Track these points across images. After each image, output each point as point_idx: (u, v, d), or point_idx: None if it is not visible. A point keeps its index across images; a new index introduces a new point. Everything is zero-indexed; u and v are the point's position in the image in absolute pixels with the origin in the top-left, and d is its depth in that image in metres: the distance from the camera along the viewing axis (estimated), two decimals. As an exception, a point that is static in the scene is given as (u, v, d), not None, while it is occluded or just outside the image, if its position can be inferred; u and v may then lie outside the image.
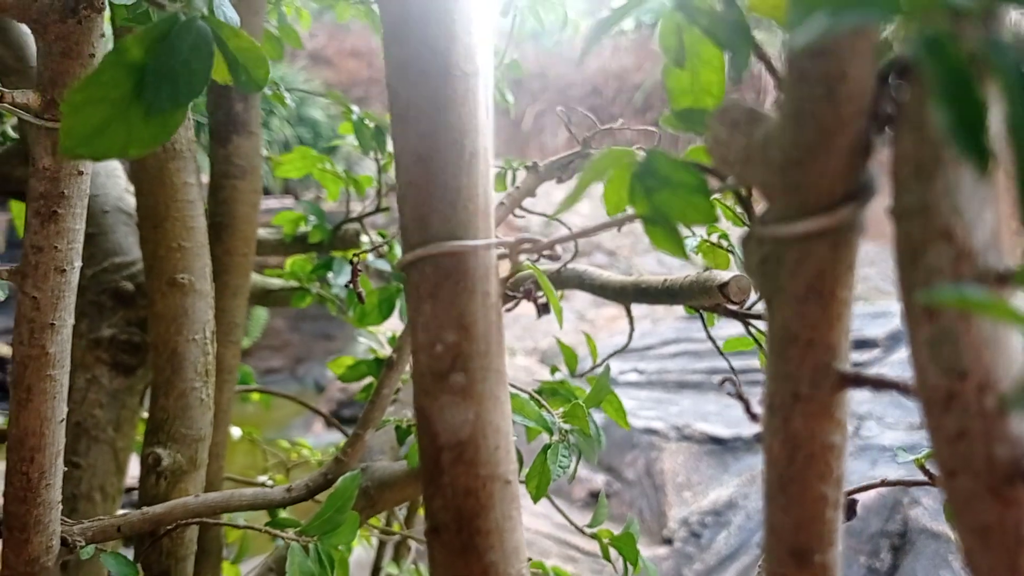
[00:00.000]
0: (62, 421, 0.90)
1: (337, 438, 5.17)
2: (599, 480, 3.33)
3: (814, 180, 0.38)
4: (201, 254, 1.15)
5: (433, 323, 0.55)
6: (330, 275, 1.60)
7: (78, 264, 0.87)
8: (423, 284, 0.55)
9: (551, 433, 1.03)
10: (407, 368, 1.15)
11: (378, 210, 1.51)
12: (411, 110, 0.56)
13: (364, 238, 1.64)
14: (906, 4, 0.25)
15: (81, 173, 0.84)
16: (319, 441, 5.14)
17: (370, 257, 1.45)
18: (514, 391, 1.06)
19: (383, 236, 1.52)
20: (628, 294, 1.22)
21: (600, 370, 1.19)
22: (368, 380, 1.51)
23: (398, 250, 1.64)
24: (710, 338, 1.16)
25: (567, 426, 1.05)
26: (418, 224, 0.56)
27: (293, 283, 1.66)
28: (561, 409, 1.16)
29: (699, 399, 3.52)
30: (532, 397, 1.11)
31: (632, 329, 1.29)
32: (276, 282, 1.69)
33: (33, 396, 0.87)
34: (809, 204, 0.38)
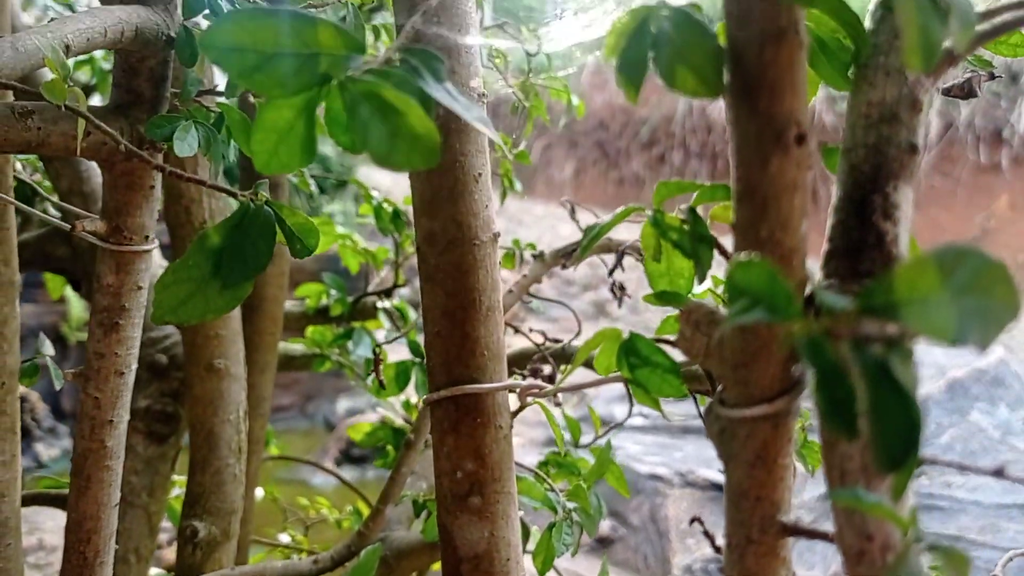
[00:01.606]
0: (116, 505, 1.00)
1: (346, 477, 5.24)
2: (604, 525, 3.42)
3: (757, 378, 0.48)
4: (235, 340, 1.26)
5: (455, 453, 0.66)
6: (350, 344, 1.71)
7: (135, 366, 0.98)
8: (447, 419, 0.66)
9: (556, 512, 1.13)
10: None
11: (395, 286, 1.62)
12: (439, 272, 0.67)
13: (381, 303, 1.75)
14: (795, 315, 0.36)
15: (140, 288, 0.95)
16: (329, 480, 5.22)
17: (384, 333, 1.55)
18: (522, 473, 1.16)
19: (401, 311, 1.63)
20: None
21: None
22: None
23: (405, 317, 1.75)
24: (703, 418, 1.26)
25: (571, 504, 1.15)
26: (443, 368, 0.67)
27: (314, 350, 1.77)
28: (564, 483, 1.26)
29: (703, 444, 3.62)
30: (538, 476, 1.21)
31: (632, 404, 1.39)
32: (298, 348, 1.80)
33: (92, 484, 0.98)
34: (754, 396, 0.49)
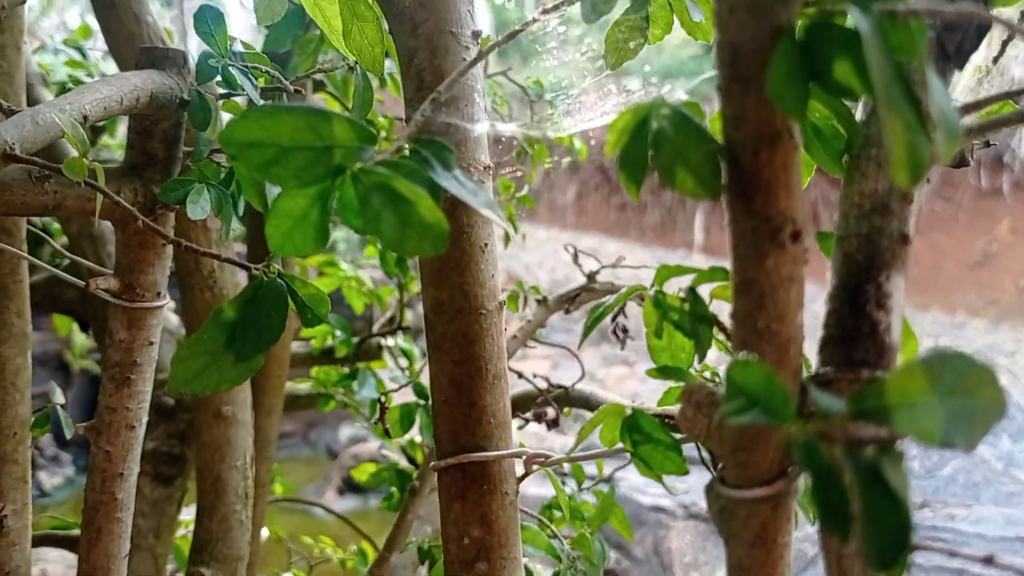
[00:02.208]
0: (125, 556, 1.02)
1: (349, 506, 5.24)
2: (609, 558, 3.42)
3: (756, 461, 0.50)
4: (243, 387, 1.28)
5: (461, 519, 0.67)
6: (354, 384, 1.72)
7: (145, 419, 1.00)
8: (454, 486, 0.68)
9: (559, 560, 1.14)
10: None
11: (399, 328, 1.64)
12: (446, 341, 0.69)
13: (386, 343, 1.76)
14: (790, 418, 0.38)
15: (151, 343, 0.97)
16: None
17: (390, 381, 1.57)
18: (526, 521, 1.17)
19: (406, 353, 1.64)
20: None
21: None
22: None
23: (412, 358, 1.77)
24: (707, 466, 1.28)
25: (575, 552, 1.16)
26: (450, 436, 0.68)
27: (319, 390, 1.78)
28: (568, 528, 1.27)
29: (706, 476, 3.61)
30: (542, 523, 1.22)
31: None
32: (303, 388, 1.81)
33: (102, 536, 0.99)
34: (754, 478, 0.50)
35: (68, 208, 0.86)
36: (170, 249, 0.99)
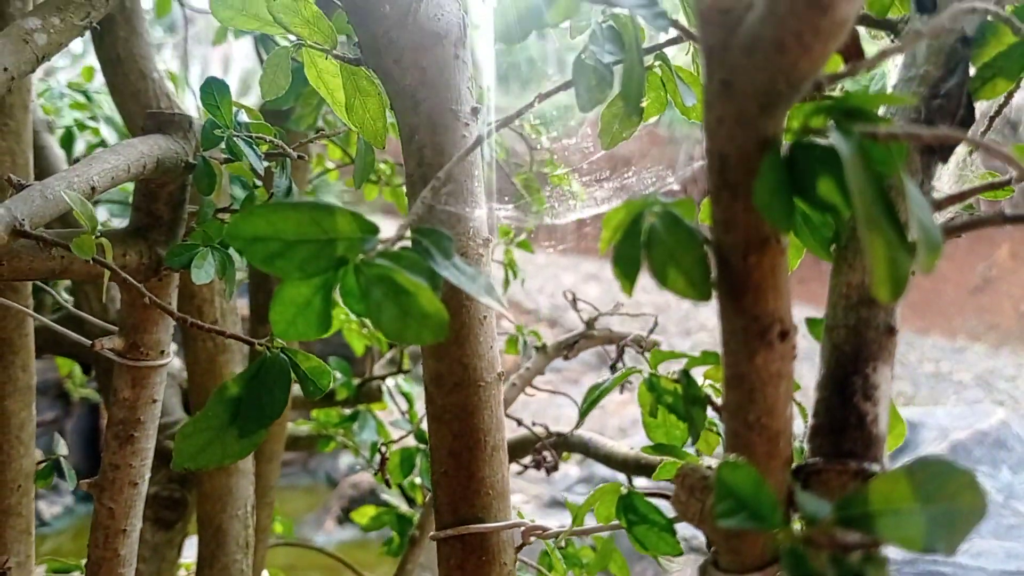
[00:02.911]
0: (127, 612, 1.02)
1: (349, 536, 5.23)
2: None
3: (748, 548, 0.51)
4: (245, 435, 1.29)
5: (461, 590, 0.68)
6: (355, 426, 1.74)
7: (148, 476, 1.01)
8: (453, 556, 0.69)
9: (559, 612, 1.14)
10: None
11: (400, 371, 1.65)
12: (446, 413, 0.70)
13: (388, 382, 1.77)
14: (778, 524, 0.39)
15: (155, 401, 0.99)
16: (331, 539, 5.20)
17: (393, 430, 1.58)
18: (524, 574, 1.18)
19: (406, 396, 1.65)
20: (630, 467, 1.35)
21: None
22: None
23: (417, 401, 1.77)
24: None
25: (574, 604, 1.17)
26: (449, 507, 0.69)
27: (320, 431, 1.79)
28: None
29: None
30: (540, 572, 1.23)
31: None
32: (303, 429, 1.82)
33: (105, 592, 1.00)
34: (746, 564, 0.52)
35: (75, 272, 0.88)
36: (173, 307, 1.01)
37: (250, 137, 0.84)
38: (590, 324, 1.42)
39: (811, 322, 0.62)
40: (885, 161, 0.42)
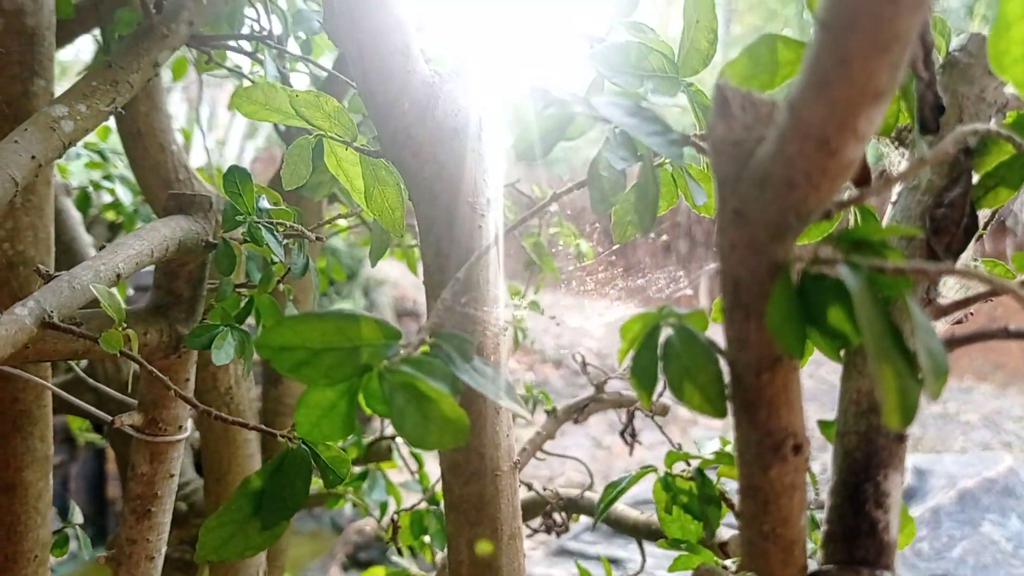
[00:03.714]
0: None
1: (354, 582, 5.18)
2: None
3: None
4: (257, 501, 1.29)
5: None
6: (365, 486, 1.74)
7: (164, 550, 1.02)
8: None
9: None
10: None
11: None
12: (463, 503, 0.72)
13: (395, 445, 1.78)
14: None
15: (172, 476, 1.00)
16: (336, 584, 5.16)
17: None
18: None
19: (416, 456, 1.66)
20: (640, 532, 1.35)
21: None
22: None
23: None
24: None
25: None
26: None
27: (330, 490, 1.80)
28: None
29: (713, 556, 3.60)
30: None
31: (644, 560, 1.42)
32: (313, 487, 1.82)
33: (120, 666, 1.00)
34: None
35: (97, 352, 0.89)
36: (192, 383, 1.02)
37: (270, 223, 0.87)
38: (600, 388, 1.44)
39: (823, 424, 0.63)
40: (892, 287, 0.44)
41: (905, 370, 0.42)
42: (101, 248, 0.85)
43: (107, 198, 2.04)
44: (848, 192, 0.48)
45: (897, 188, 0.60)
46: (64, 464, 5.85)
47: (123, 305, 0.76)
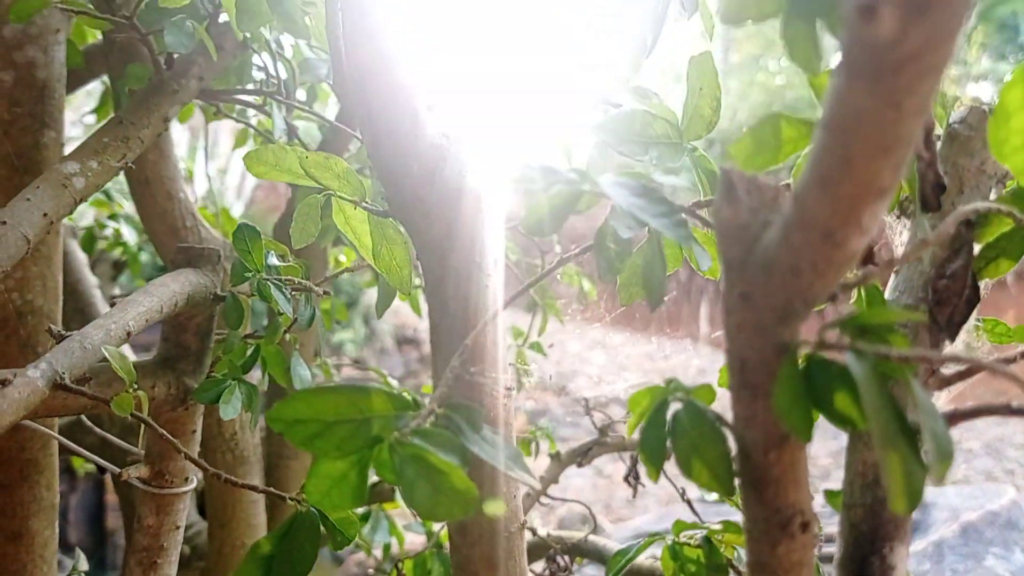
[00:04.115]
0: None
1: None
2: None
3: None
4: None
5: None
6: (367, 527, 1.74)
7: (170, 603, 1.02)
8: None
9: None
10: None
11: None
12: (471, 564, 0.72)
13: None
14: None
15: (178, 527, 1.00)
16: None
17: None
18: None
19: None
20: (644, 573, 1.35)
21: None
22: None
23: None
24: None
25: None
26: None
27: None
28: None
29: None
30: None
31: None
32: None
33: None
34: None
35: (105, 400, 0.90)
36: (198, 435, 1.03)
37: (279, 280, 0.87)
38: (604, 431, 1.44)
39: (829, 493, 0.64)
40: (897, 371, 0.45)
41: (910, 456, 0.43)
42: (112, 303, 0.86)
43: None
44: (853, 273, 0.49)
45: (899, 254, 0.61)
46: (63, 495, 5.80)
47: (133, 368, 0.76)
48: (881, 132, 0.37)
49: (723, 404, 0.54)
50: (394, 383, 1.67)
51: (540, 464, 1.56)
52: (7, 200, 1.13)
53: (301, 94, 1.37)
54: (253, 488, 0.81)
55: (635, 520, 4.54)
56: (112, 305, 0.85)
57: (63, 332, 0.78)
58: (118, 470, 0.97)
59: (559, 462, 1.42)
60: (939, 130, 0.63)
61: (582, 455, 1.44)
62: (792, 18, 0.44)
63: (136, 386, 0.76)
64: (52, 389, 0.73)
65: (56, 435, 1.10)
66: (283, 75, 1.23)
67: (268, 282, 0.87)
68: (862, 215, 0.41)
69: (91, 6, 0.97)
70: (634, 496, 1.54)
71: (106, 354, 0.74)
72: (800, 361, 0.47)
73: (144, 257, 2.18)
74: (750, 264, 0.46)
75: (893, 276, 0.61)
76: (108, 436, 1.16)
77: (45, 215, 0.88)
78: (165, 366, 0.97)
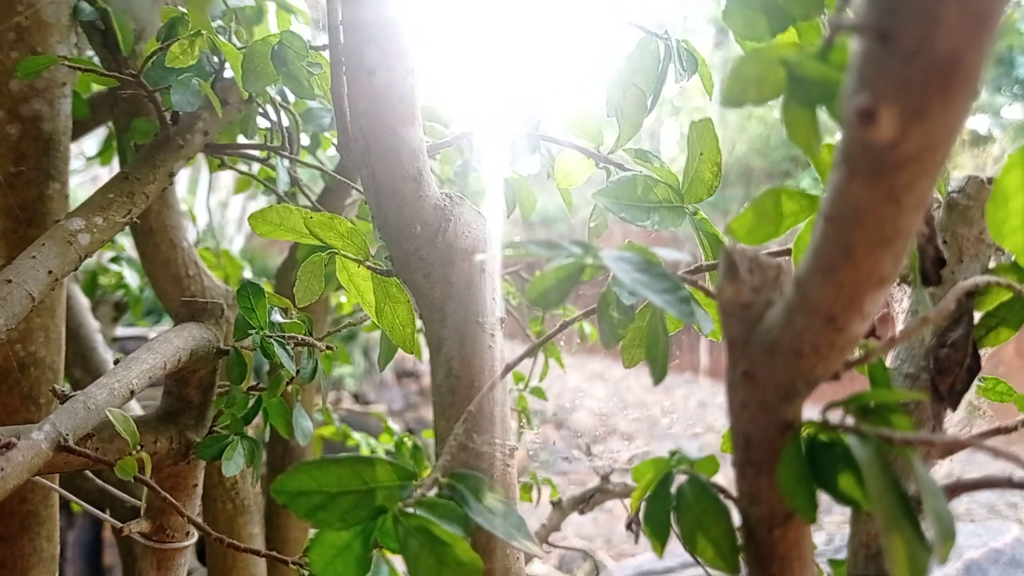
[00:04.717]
0: None
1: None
2: None
3: None
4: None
5: None
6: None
7: (170, 656, 1.01)
8: None
9: None
10: None
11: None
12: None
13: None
14: None
15: (179, 581, 0.99)
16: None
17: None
18: None
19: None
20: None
21: None
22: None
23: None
24: None
25: None
26: None
27: None
28: None
29: None
30: None
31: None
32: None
33: None
34: None
35: (108, 462, 0.90)
36: (200, 489, 1.03)
37: (282, 338, 0.88)
38: (605, 478, 1.44)
39: (834, 563, 0.64)
40: (901, 451, 0.45)
41: (914, 538, 0.43)
42: (116, 361, 0.86)
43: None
44: (856, 351, 0.49)
45: (900, 324, 0.62)
46: (61, 531, 5.78)
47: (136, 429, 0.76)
48: (881, 226, 0.38)
49: (727, 474, 0.54)
50: (396, 428, 1.67)
51: (541, 512, 1.55)
52: (11, 252, 1.14)
53: (304, 138, 1.38)
54: (256, 552, 0.81)
55: (637, 558, 4.50)
56: (115, 361, 0.85)
57: (67, 393, 0.78)
58: (119, 524, 0.97)
59: (561, 510, 1.41)
60: (937, 194, 0.64)
61: (584, 502, 1.43)
62: (792, 102, 0.45)
63: (139, 447, 0.76)
64: (56, 451, 0.73)
65: (57, 488, 1.10)
66: (285, 121, 1.24)
67: (271, 340, 0.87)
68: (864, 302, 0.41)
69: (98, 64, 0.99)
70: (636, 542, 1.53)
71: (109, 416, 0.74)
72: (804, 435, 0.48)
73: (146, 293, 2.18)
74: (753, 344, 0.47)
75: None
76: (107, 487, 1.15)
77: (50, 272, 0.89)
78: (167, 420, 0.97)
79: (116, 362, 0.86)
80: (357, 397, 7.08)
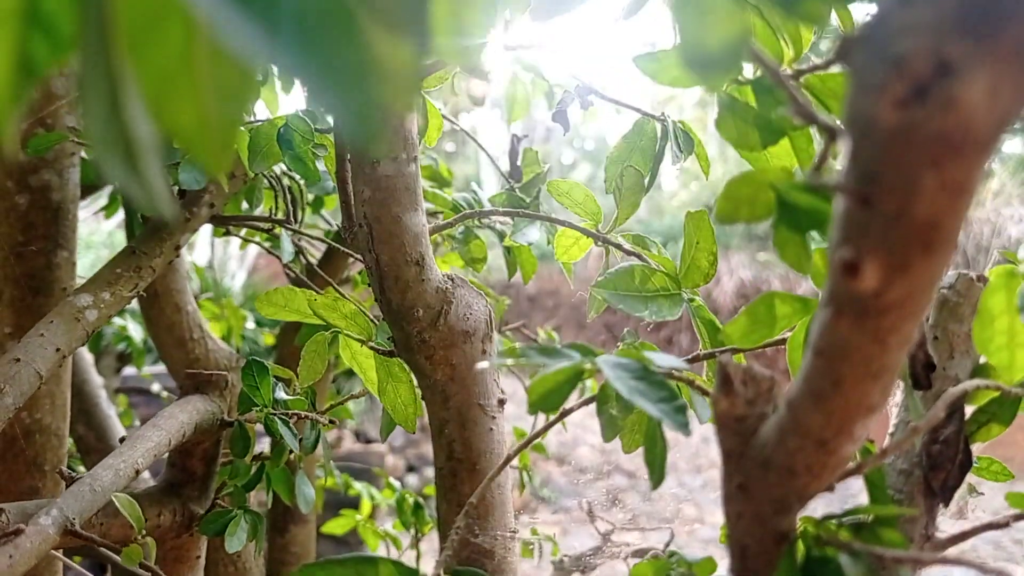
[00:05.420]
0: None
1: None
2: None
3: None
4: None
5: None
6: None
7: None
8: None
9: None
10: None
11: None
12: None
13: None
14: None
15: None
16: None
17: None
18: None
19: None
20: None
21: None
22: None
23: None
24: None
25: None
26: None
27: None
28: None
29: None
30: None
31: None
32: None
33: None
34: None
35: (112, 537, 0.91)
36: (202, 561, 1.03)
37: (285, 415, 0.89)
38: (607, 537, 1.44)
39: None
40: (893, 571, 0.46)
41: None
42: (121, 439, 0.87)
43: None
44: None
45: (894, 421, 0.63)
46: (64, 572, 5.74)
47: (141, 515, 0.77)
48: (868, 362, 0.39)
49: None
50: (396, 484, 1.67)
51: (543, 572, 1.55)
52: (17, 320, 1.16)
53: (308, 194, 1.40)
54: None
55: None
56: (121, 440, 0.87)
57: (73, 475, 0.79)
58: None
59: (563, 571, 1.41)
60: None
61: (586, 561, 1.43)
62: (782, 226, 0.47)
63: (143, 533, 0.77)
64: (63, 536, 0.74)
65: (62, 557, 1.10)
66: (289, 184, 1.26)
67: (275, 417, 0.88)
68: (854, 428, 0.42)
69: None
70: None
71: (115, 501, 0.75)
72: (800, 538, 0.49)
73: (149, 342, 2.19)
74: (747, 458, 0.48)
75: (887, 438, 0.63)
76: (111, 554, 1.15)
77: (58, 350, 0.90)
78: (171, 492, 0.98)
79: (122, 440, 0.87)
80: (358, 435, 7.06)
